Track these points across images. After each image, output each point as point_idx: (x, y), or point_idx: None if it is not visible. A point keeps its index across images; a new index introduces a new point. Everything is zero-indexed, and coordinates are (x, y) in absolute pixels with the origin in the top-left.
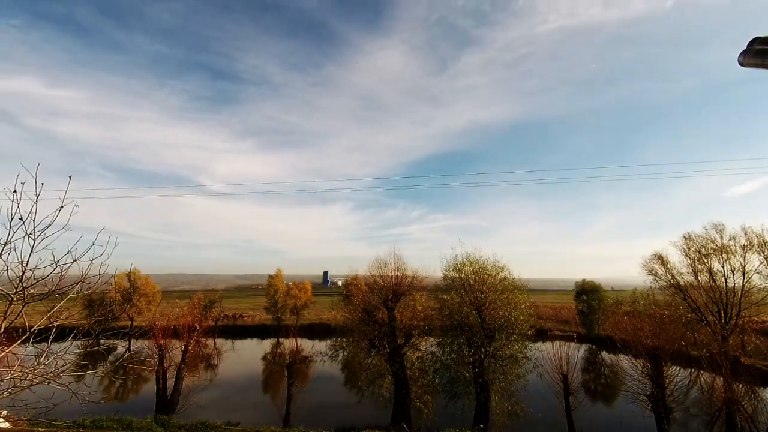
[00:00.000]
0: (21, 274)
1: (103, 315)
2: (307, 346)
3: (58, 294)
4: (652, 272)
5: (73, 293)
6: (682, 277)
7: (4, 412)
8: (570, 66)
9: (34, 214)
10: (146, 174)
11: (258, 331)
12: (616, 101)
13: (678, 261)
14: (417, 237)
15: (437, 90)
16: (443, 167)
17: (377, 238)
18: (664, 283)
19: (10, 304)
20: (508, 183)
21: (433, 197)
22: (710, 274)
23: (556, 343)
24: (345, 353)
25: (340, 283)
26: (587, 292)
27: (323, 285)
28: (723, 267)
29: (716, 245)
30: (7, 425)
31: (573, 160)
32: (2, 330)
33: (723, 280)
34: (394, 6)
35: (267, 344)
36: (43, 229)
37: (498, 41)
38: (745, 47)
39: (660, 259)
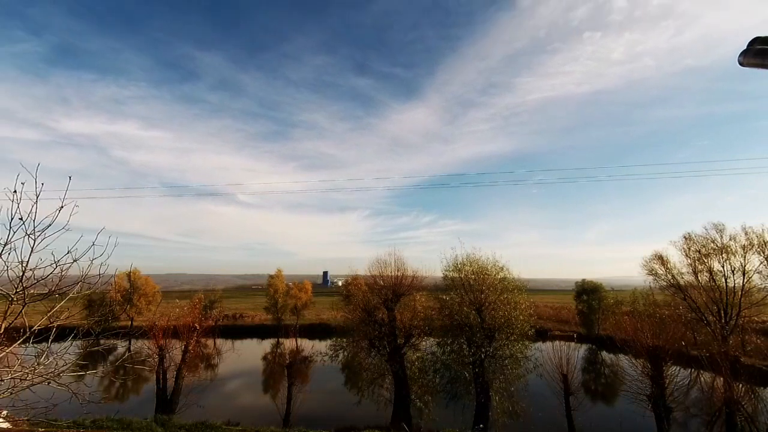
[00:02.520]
0: (21, 274)
1: (103, 315)
2: (307, 346)
3: (58, 294)
4: (652, 272)
5: (73, 293)
6: (683, 277)
7: (5, 412)
8: (552, 119)
9: (34, 214)
10: (197, 190)
11: (258, 331)
12: (594, 139)
13: (678, 261)
14: (426, 240)
15: (449, 134)
16: (443, 182)
17: (387, 241)
18: (665, 283)
19: (10, 304)
20: (507, 182)
21: (443, 205)
22: (710, 274)
23: (556, 343)
24: (345, 353)
25: (340, 283)
26: (587, 292)
27: (323, 285)
28: (723, 267)
29: (716, 245)
30: (7, 425)
31: (565, 181)
32: (2, 330)
33: (723, 280)
34: (426, 86)
35: (267, 344)
36: (43, 229)
37: (497, 104)
38: (745, 47)
39: (660, 259)
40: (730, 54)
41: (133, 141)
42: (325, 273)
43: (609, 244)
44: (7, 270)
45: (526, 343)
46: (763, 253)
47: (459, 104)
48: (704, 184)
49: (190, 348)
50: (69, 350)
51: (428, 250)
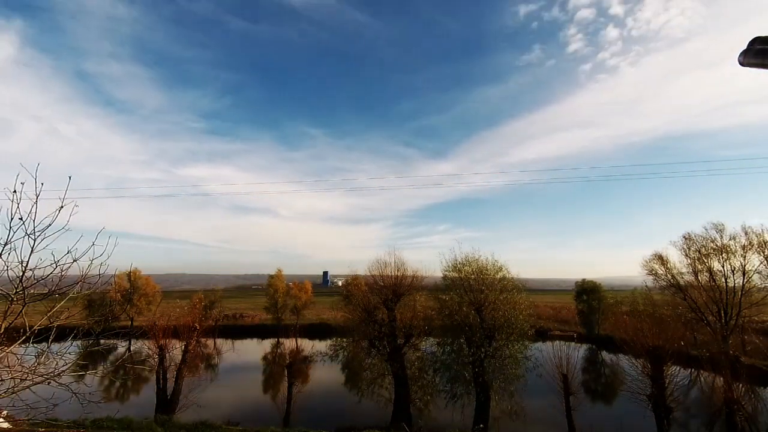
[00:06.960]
0: (21, 274)
1: (103, 315)
2: (308, 346)
3: (58, 294)
4: (652, 272)
5: (73, 293)
6: (682, 277)
7: (5, 412)
8: (531, 167)
9: (34, 214)
10: (247, 208)
11: (258, 331)
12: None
13: (678, 261)
14: (438, 244)
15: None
16: (457, 203)
17: (403, 245)
18: (665, 283)
19: (10, 304)
20: (504, 183)
21: (457, 216)
22: (710, 274)
23: (556, 342)
24: (345, 353)
25: (340, 283)
26: (587, 292)
27: (323, 285)
28: (723, 267)
29: (716, 245)
30: (7, 425)
31: (559, 205)
32: (2, 330)
33: (723, 280)
34: (449, 153)
35: (267, 344)
36: (43, 229)
37: (493, 161)
38: (745, 47)
39: (660, 258)
40: (663, 134)
41: (221, 180)
42: (325, 273)
43: (607, 248)
44: (7, 270)
45: (526, 342)
46: (763, 253)
47: (468, 162)
48: (701, 189)
49: (190, 348)
50: (69, 350)
51: (440, 253)
